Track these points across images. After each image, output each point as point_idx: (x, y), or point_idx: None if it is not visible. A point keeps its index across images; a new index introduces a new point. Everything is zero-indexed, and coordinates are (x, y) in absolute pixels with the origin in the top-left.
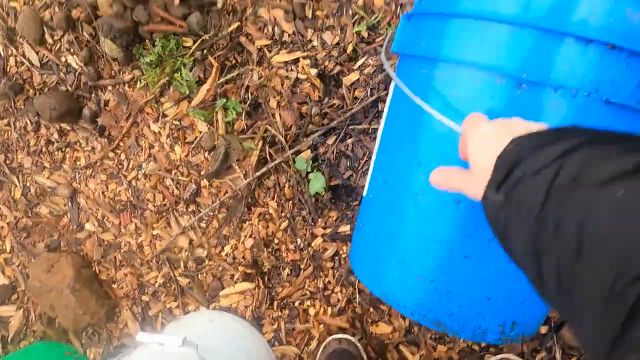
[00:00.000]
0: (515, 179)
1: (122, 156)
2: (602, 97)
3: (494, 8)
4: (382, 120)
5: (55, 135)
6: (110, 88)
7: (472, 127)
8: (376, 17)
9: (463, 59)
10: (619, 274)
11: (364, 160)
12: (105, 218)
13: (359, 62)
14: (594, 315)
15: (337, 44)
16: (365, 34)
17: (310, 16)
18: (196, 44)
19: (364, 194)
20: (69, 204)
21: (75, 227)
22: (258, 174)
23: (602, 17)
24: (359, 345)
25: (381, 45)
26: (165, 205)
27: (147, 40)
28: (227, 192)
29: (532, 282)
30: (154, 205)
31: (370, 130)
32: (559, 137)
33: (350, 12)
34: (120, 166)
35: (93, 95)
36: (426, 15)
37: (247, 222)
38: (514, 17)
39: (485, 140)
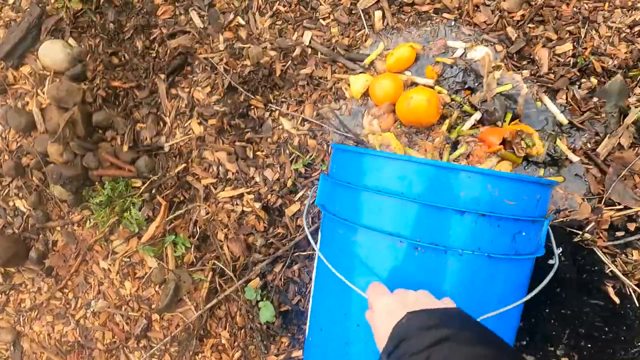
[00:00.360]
0: (399, 354)
1: (70, 295)
2: (484, 253)
3: (387, 185)
4: (315, 266)
5: (0, 279)
6: (59, 229)
7: (375, 296)
8: (311, 156)
9: (369, 224)
10: None
11: (311, 284)
12: None
13: (299, 194)
14: None
15: (278, 179)
16: (302, 170)
17: (251, 156)
18: (145, 185)
19: (307, 334)
20: (12, 349)
21: None
22: (209, 306)
23: (470, 192)
24: None
25: (317, 179)
26: (115, 342)
27: (96, 183)
28: (178, 325)
29: None
30: (102, 344)
31: (314, 255)
32: (437, 324)
33: (287, 151)
34: (67, 305)
35: (41, 236)
36: (337, 182)
37: (200, 355)
38: (401, 194)
39: (384, 313)
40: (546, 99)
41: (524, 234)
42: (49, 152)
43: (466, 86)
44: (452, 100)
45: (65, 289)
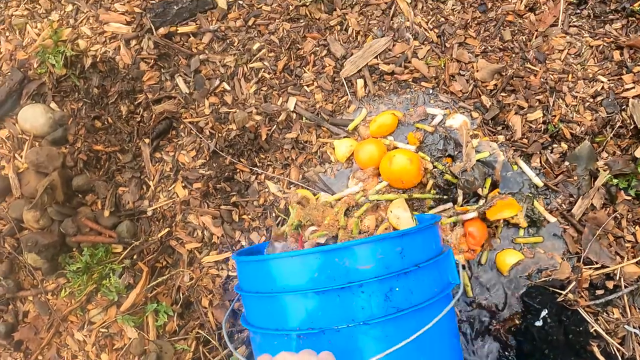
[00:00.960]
0: None
1: None
2: (358, 322)
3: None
4: None
5: None
6: (31, 298)
7: None
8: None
9: (260, 325)
10: None
11: None
12: None
13: None
14: None
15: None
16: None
17: (237, 220)
18: (126, 251)
19: None
20: None
21: None
22: None
23: (323, 271)
24: None
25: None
26: None
27: (74, 249)
28: None
29: None
30: None
31: None
32: None
33: (273, 214)
34: None
35: (10, 307)
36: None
37: None
38: (270, 290)
39: None
40: (522, 163)
41: (397, 289)
42: (25, 218)
43: (447, 154)
44: (435, 167)
45: None
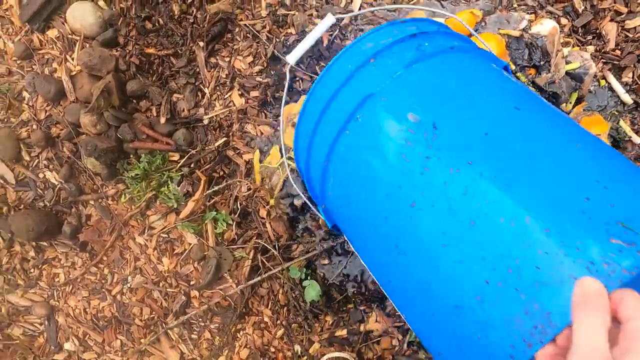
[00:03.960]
0: None
1: (106, 270)
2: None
3: None
4: None
5: (32, 253)
6: (92, 202)
7: (585, 306)
8: None
9: None
10: None
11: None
12: (87, 336)
13: None
14: None
15: None
16: None
17: None
18: (183, 159)
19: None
20: (46, 323)
21: (52, 347)
22: (251, 282)
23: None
24: None
25: None
26: (153, 318)
27: (132, 156)
28: (219, 302)
29: None
30: (140, 320)
31: None
32: None
33: None
34: (103, 281)
35: (73, 210)
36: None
37: (242, 332)
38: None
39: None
40: (611, 77)
41: (426, 44)
42: (82, 122)
43: (532, 64)
44: (517, 78)
45: (100, 264)
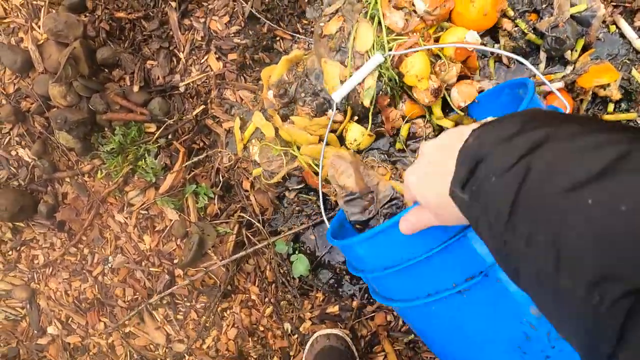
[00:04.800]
0: (481, 178)
1: (86, 251)
2: None
3: None
4: None
5: (9, 235)
6: (68, 180)
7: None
8: None
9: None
10: (602, 291)
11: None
12: (70, 319)
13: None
14: (584, 331)
15: None
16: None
17: None
18: (160, 130)
19: None
20: (28, 306)
21: (35, 332)
22: (235, 257)
23: None
24: (348, 339)
25: None
26: (137, 299)
27: (106, 129)
28: (204, 280)
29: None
30: (124, 301)
31: None
32: (521, 129)
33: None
34: (84, 262)
35: (49, 188)
36: None
37: (229, 311)
38: None
39: (440, 142)
40: (622, 22)
41: None
42: (51, 94)
43: (533, 8)
44: (516, 25)
45: (79, 244)
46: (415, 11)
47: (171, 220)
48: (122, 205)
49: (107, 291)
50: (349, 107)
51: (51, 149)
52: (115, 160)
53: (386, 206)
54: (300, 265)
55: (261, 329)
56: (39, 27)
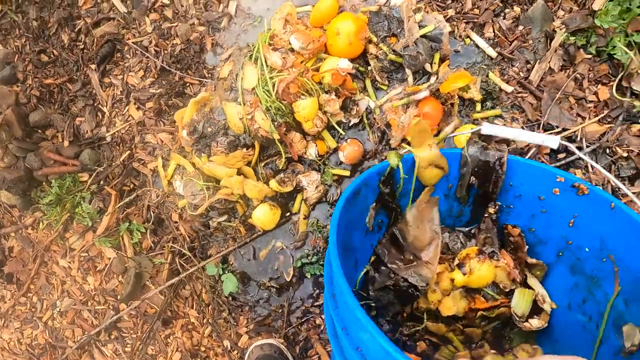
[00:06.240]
0: None
1: (34, 299)
2: None
3: None
4: None
5: None
6: (13, 234)
7: None
8: None
9: None
10: None
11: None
12: None
13: None
14: None
15: None
16: None
17: None
18: (92, 177)
19: None
20: None
21: None
22: (169, 282)
23: None
24: (282, 347)
25: None
26: (85, 338)
27: (43, 183)
28: (146, 311)
29: None
30: (74, 341)
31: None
32: None
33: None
34: (33, 309)
35: None
36: None
37: (172, 337)
38: None
39: None
40: (474, 35)
41: None
42: None
43: (391, 33)
44: (380, 49)
45: (28, 293)
46: (292, 49)
47: (110, 258)
48: (64, 251)
49: (58, 334)
50: (255, 141)
51: None
52: (55, 210)
53: None
54: (229, 283)
55: (203, 349)
56: None
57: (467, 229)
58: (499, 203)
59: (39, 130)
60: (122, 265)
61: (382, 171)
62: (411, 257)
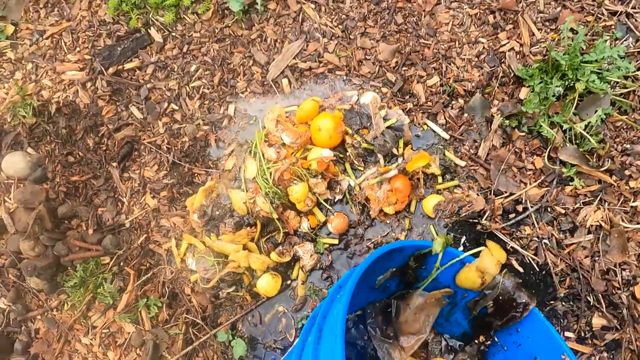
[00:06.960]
0: None
1: None
2: None
3: None
4: None
5: None
6: (39, 317)
7: None
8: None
9: None
10: None
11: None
12: None
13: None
14: None
15: None
16: None
17: None
18: (113, 260)
19: None
20: None
21: None
22: (184, 352)
23: None
24: None
25: None
26: None
27: (69, 268)
28: None
29: None
30: None
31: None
32: None
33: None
34: None
35: (23, 327)
36: None
37: None
38: None
39: None
40: (429, 122)
41: None
42: (22, 249)
43: (363, 126)
44: (355, 139)
45: None
46: (284, 144)
47: (129, 332)
48: (86, 329)
49: None
50: (257, 220)
51: (23, 294)
52: (78, 292)
53: None
54: (239, 348)
55: None
56: (10, 199)
57: (452, 340)
58: (496, 338)
59: (66, 221)
60: (140, 339)
61: (422, 248)
62: (391, 334)
